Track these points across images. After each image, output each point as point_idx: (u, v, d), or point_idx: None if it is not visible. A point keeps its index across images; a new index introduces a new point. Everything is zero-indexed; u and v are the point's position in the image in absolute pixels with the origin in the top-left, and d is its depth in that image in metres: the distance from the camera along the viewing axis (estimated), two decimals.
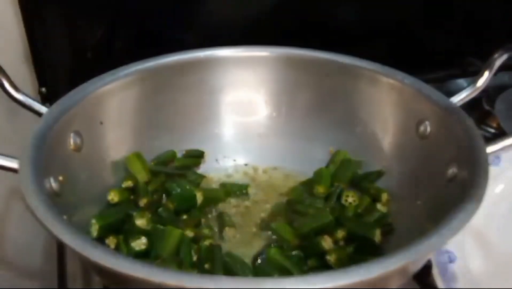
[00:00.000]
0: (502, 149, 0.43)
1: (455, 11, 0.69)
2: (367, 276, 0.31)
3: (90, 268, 0.43)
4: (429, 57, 0.70)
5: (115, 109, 0.52)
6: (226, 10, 0.64)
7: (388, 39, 0.69)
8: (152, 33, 0.62)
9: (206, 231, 0.48)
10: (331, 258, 0.43)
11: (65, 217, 0.37)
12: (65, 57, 0.61)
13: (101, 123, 0.50)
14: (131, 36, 0.62)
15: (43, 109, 0.48)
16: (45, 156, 0.41)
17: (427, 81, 0.52)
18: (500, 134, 0.65)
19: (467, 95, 0.51)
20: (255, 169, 0.57)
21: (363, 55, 0.55)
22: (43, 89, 0.60)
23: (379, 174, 0.52)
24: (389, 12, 0.68)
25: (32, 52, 0.59)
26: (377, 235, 0.45)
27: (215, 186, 0.55)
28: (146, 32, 0.62)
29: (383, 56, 0.54)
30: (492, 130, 0.65)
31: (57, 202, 0.40)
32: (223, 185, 0.54)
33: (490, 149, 0.43)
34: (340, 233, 0.46)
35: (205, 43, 0.56)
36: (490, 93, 0.66)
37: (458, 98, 0.51)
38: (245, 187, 0.54)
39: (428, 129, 0.49)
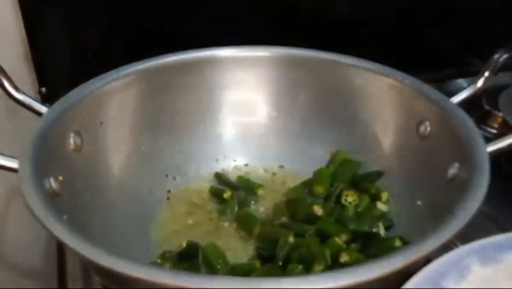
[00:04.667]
0: (502, 148, 0.43)
1: (455, 11, 0.69)
2: (367, 277, 0.31)
3: (90, 268, 0.43)
4: (429, 57, 0.70)
5: (115, 109, 0.51)
6: (227, 10, 0.64)
7: (388, 39, 0.69)
8: (152, 33, 0.62)
9: None
10: (344, 259, 0.43)
11: (65, 217, 0.37)
12: (65, 57, 0.61)
13: (101, 123, 0.50)
14: (131, 36, 0.62)
15: (43, 109, 0.48)
16: (45, 156, 0.42)
17: (427, 81, 0.52)
18: (500, 134, 0.65)
19: (467, 95, 0.51)
20: (255, 169, 0.57)
21: (363, 55, 0.55)
22: (43, 89, 0.60)
23: (379, 174, 0.52)
24: (389, 12, 0.68)
25: (32, 52, 0.59)
26: (381, 228, 0.45)
27: (212, 185, 0.55)
28: (146, 32, 0.62)
29: (383, 56, 0.54)
30: (493, 131, 0.65)
31: (57, 202, 0.40)
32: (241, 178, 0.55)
33: (490, 148, 0.43)
34: (344, 237, 0.46)
35: (206, 43, 0.56)
36: (490, 93, 0.66)
37: (458, 98, 0.51)
38: (257, 186, 0.54)
39: (428, 129, 0.49)
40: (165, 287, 0.31)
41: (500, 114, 0.65)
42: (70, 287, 0.48)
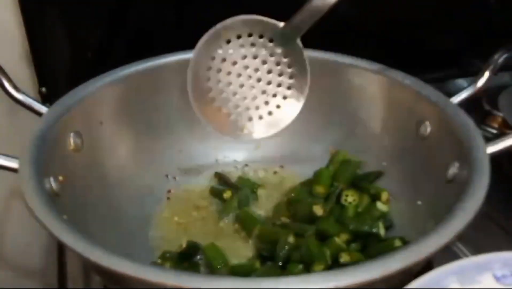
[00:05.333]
0: (503, 149, 0.43)
1: (455, 11, 0.69)
2: (367, 277, 0.31)
3: (90, 267, 0.43)
4: (429, 57, 0.70)
5: (115, 109, 0.52)
6: (227, 10, 0.63)
7: (387, 38, 0.69)
8: (152, 33, 0.62)
9: None
10: (344, 259, 0.43)
11: (65, 217, 0.37)
12: (65, 57, 0.61)
13: (101, 123, 0.50)
14: (131, 36, 0.62)
15: (43, 109, 0.48)
16: (45, 156, 0.42)
17: (427, 81, 0.52)
18: (501, 134, 0.65)
19: (467, 95, 0.51)
20: (256, 169, 0.57)
21: (362, 55, 0.55)
22: (43, 89, 0.60)
23: (378, 174, 0.52)
24: (389, 12, 0.67)
25: (32, 52, 0.59)
26: (381, 228, 0.45)
27: (212, 185, 0.55)
28: (146, 32, 0.62)
29: (383, 56, 0.54)
30: (493, 131, 0.65)
31: (57, 202, 0.40)
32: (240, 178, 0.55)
33: (490, 149, 0.43)
34: (344, 237, 0.46)
35: None
36: (490, 93, 0.66)
37: (458, 99, 0.51)
38: (257, 186, 0.54)
39: (428, 129, 0.49)
40: (165, 287, 0.31)
41: (500, 114, 0.65)
42: (70, 287, 0.48)
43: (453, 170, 0.44)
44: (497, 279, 0.33)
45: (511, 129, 0.61)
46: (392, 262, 0.32)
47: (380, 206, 0.49)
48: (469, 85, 0.52)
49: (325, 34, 0.65)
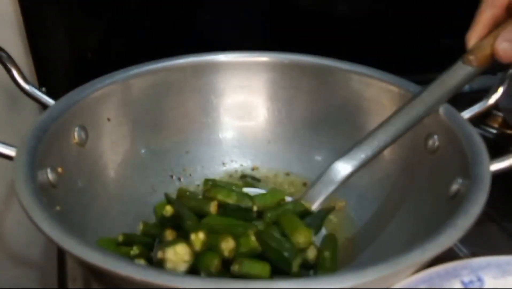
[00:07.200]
0: (508, 167, 0.41)
1: (456, 11, 0.69)
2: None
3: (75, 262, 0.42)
4: (429, 57, 0.70)
5: (123, 107, 0.51)
6: (227, 14, 0.64)
7: (387, 39, 0.69)
8: (151, 34, 0.62)
9: None
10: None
11: (58, 208, 0.37)
12: (65, 57, 0.61)
13: (109, 120, 0.50)
14: (131, 37, 0.62)
15: (50, 102, 0.48)
16: (45, 146, 0.41)
17: (427, 81, 0.51)
18: (500, 134, 0.65)
19: (478, 111, 0.50)
20: (262, 175, 0.57)
21: (362, 57, 0.55)
22: (43, 89, 0.60)
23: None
24: (389, 13, 0.68)
25: (32, 52, 0.59)
26: (295, 262, 0.40)
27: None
28: (146, 33, 0.62)
29: (383, 57, 0.54)
30: (493, 130, 0.65)
31: (52, 192, 0.40)
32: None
33: (494, 166, 0.41)
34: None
35: (208, 46, 0.56)
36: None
37: (470, 114, 0.49)
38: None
39: (436, 144, 0.47)
40: (149, 286, 0.30)
41: (500, 114, 0.65)
42: (70, 287, 0.48)
43: (456, 186, 0.42)
44: (465, 284, 0.33)
45: (511, 129, 0.61)
46: (365, 274, 0.30)
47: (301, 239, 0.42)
48: (469, 85, 0.51)
49: (325, 36, 0.65)
